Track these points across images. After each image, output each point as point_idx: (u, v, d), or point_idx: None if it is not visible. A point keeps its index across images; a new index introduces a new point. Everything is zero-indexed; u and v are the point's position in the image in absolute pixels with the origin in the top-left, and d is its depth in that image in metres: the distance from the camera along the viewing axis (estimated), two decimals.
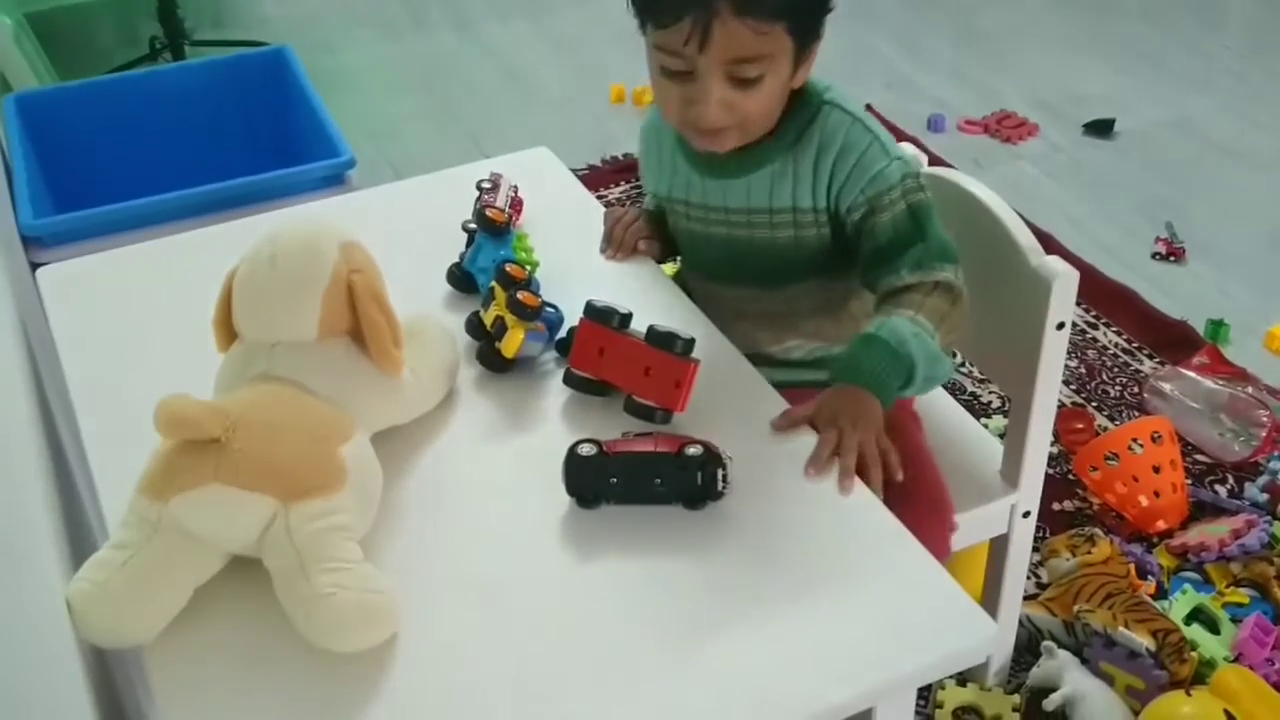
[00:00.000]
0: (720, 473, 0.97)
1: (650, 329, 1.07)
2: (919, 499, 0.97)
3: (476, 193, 1.29)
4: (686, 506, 0.99)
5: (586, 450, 0.99)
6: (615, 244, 1.28)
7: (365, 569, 0.90)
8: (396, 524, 0.98)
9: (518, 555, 0.96)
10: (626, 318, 1.09)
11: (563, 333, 1.15)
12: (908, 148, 1.22)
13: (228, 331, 1.04)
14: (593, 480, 0.99)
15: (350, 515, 0.93)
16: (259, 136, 2.04)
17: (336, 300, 1.01)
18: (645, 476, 0.98)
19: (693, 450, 0.97)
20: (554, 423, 1.09)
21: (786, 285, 1.21)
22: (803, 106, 1.15)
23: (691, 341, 1.05)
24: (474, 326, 1.16)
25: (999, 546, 1.37)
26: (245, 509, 0.90)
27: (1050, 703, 1.43)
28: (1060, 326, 1.21)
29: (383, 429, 1.05)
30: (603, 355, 1.09)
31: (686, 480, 0.98)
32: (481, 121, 2.81)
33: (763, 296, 1.23)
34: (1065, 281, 1.18)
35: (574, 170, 2.68)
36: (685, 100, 1.10)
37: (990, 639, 0.91)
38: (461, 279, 1.24)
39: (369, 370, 1.02)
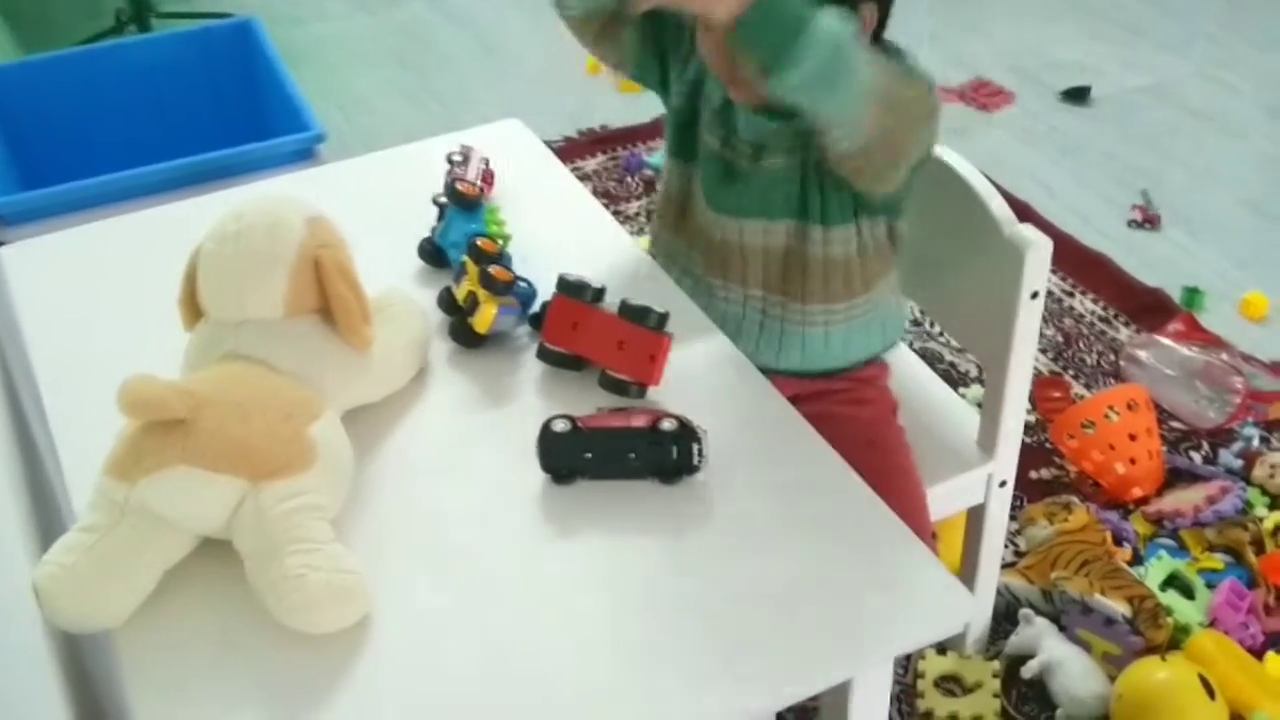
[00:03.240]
0: (695, 447, 0.97)
1: (623, 303, 1.06)
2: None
3: (447, 166, 1.27)
4: (662, 481, 0.98)
5: (560, 426, 0.98)
6: None
7: (336, 549, 0.89)
8: (369, 503, 0.97)
9: (491, 533, 0.95)
10: (600, 292, 1.08)
11: (536, 307, 1.13)
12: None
13: (193, 310, 1.02)
14: (567, 456, 0.98)
15: (320, 495, 0.92)
16: (228, 111, 2.00)
17: (303, 277, 0.99)
18: (620, 451, 0.98)
19: (667, 424, 0.97)
20: (527, 398, 1.08)
21: (787, 218, 1.17)
22: None
23: (665, 315, 1.05)
24: (446, 302, 1.15)
25: (976, 516, 1.37)
26: (213, 490, 0.89)
27: (1028, 670, 1.44)
28: (1034, 296, 1.21)
29: (353, 407, 1.03)
30: (576, 330, 1.07)
31: (661, 455, 0.97)
32: (455, 93, 2.78)
33: (770, 230, 1.18)
34: (1038, 250, 1.18)
35: (550, 142, 2.65)
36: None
37: (966, 610, 0.91)
38: (433, 254, 1.22)
39: (338, 347, 1.01)
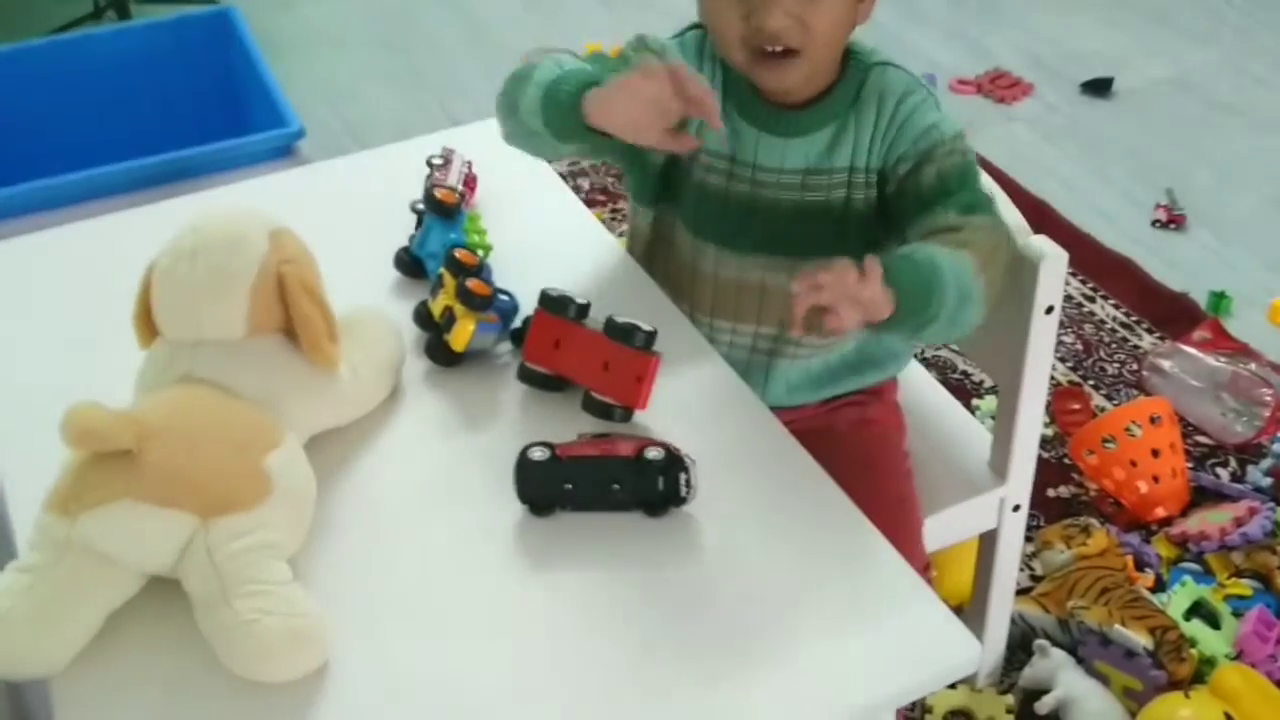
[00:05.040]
0: (683, 477, 0.90)
1: (609, 320, 0.99)
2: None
3: (427, 170, 1.20)
4: (648, 513, 0.92)
5: (538, 455, 0.91)
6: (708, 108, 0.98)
7: (292, 591, 0.83)
8: (332, 537, 0.91)
9: (465, 569, 0.89)
10: (584, 308, 1.01)
11: (518, 322, 1.07)
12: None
13: (149, 328, 0.97)
14: (546, 487, 0.92)
15: (276, 531, 0.86)
16: (206, 105, 1.91)
17: (265, 294, 0.93)
18: (602, 482, 0.91)
19: (652, 454, 0.90)
20: (507, 421, 1.01)
21: (810, 256, 1.09)
22: (856, 68, 1.09)
23: (653, 334, 0.98)
24: (422, 316, 1.08)
25: (988, 542, 1.29)
26: (160, 527, 0.83)
27: (1043, 706, 1.36)
28: (1049, 310, 1.13)
29: (320, 432, 0.97)
30: (559, 348, 1.01)
31: (647, 485, 0.91)
32: (447, 83, 2.70)
33: (781, 266, 1.12)
34: (1054, 263, 1.10)
35: None
36: (746, 14, 1.01)
37: (974, 658, 0.84)
38: (410, 264, 1.15)
39: (303, 369, 0.95)
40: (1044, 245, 1.11)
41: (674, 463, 0.90)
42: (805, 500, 0.93)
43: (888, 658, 0.83)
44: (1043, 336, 1.14)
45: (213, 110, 1.90)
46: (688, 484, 0.90)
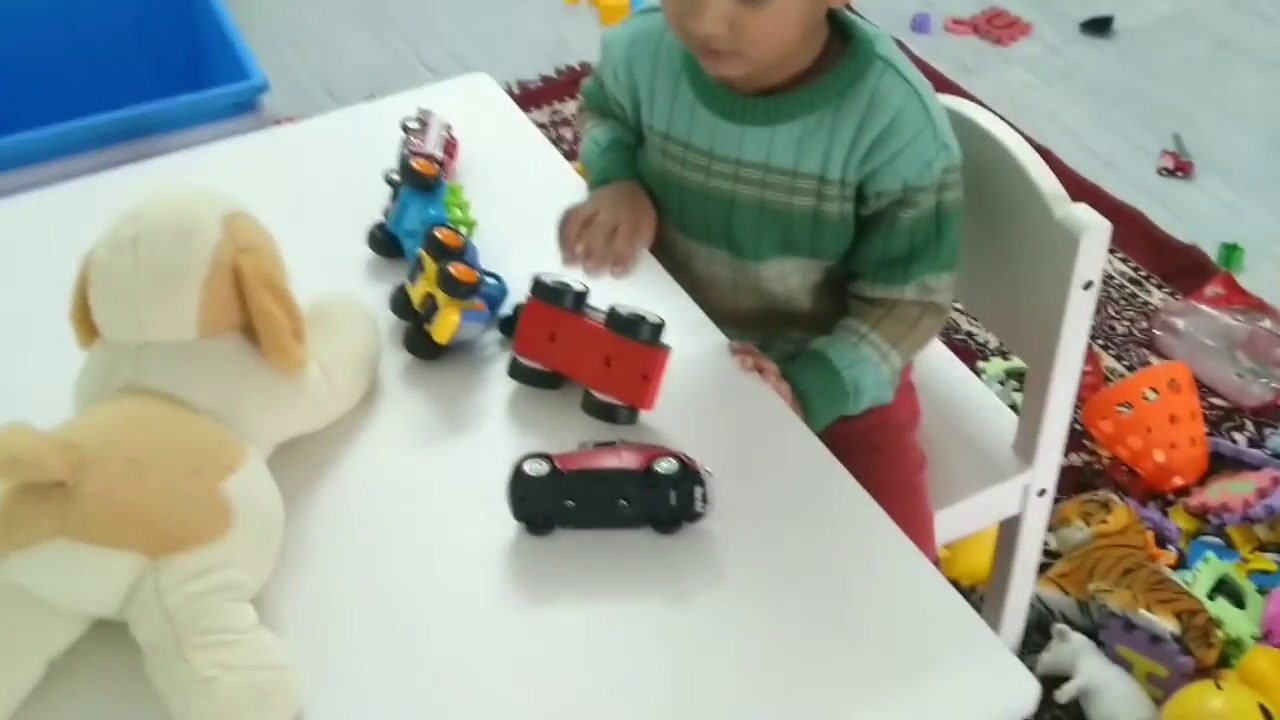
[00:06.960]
0: (698, 491, 0.81)
1: (612, 310, 0.88)
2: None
3: (402, 134, 1.08)
4: (658, 530, 0.82)
5: (535, 469, 0.82)
6: (595, 257, 0.98)
7: (257, 639, 0.73)
8: (303, 563, 0.81)
9: (454, 597, 0.80)
10: (582, 296, 0.90)
11: (508, 309, 0.96)
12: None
13: (89, 326, 0.85)
14: (545, 504, 0.82)
15: (238, 568, 0.76)
16: (162, 55, 1.74)
17: (220, 289, 0.82)
18: (608, 497, 0.82)
19: (664, 466, 0.81)
20: (498, 422, 0.91)
21: (780, 257, 1.03)
22: (851, 55, 0.96)
23: (660, 326, 0.88)
24: (400, 304, 0.97)
25: (1009, 526, 1.21)
26: (100, 570, 0.73)
27: (1064, 694, 1.30)
28: (1088, 286, 1.03)
29: (287, 440, 0.86)
30: (554, 342, 0.90)
31: (658, 501, 0.81)
32: (420, 25, 2.54)
33: (750, 267, 1.04)
34: (1095, 236, 1.00)
35: (526, 82, 2.42)
36: (681, 10, 0.90)
37: (1031, 699, 0.76)
38: (385, 242, 1.04)
39: (265, 373, 0.84)
40: (1085, 215, 1.01)
41: (688, 476, 0.80)
42: (837, 515, 0.84)
43: (930, 695, 0.74)
44: (1079, 314, 1.05)
45: (170, 61, 1.73)
46: (704, 499, 0.81)
